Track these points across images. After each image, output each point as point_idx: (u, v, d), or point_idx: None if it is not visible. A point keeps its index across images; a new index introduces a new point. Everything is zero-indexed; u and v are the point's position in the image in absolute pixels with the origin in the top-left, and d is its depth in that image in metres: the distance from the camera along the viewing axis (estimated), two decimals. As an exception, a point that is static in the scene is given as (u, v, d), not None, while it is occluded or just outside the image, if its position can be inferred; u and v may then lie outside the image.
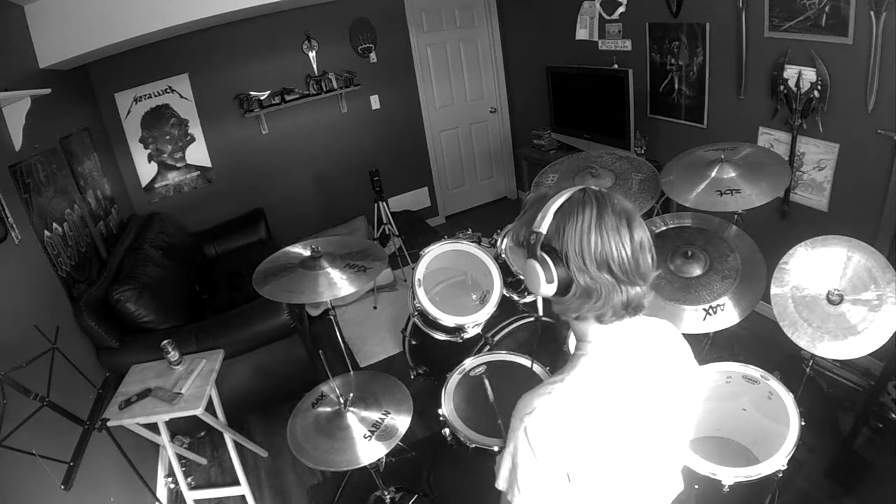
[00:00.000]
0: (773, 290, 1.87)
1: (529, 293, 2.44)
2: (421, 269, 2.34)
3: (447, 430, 1.80)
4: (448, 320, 2.24)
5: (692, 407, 0.99)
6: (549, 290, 0.83)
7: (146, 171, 3.92)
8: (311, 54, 4.17)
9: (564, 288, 0.83)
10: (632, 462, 0.88)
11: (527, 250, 0.86)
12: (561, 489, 0.83)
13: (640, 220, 0.84)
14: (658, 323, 0.98)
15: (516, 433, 0.83)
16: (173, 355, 2.23)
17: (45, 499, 1.64)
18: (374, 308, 3.82)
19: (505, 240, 2.51)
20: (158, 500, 2.30)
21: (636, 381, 0.88)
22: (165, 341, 2.22)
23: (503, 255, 2.45)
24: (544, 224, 0.82)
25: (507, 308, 2.37)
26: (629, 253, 0.81)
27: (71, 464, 1.64)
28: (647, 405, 0.89)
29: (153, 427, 2.21)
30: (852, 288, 1.78)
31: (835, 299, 1.78)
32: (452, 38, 4.71)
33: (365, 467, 1.74)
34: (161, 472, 2.60)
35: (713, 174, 2.11)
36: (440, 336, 2.33)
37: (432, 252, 2.41)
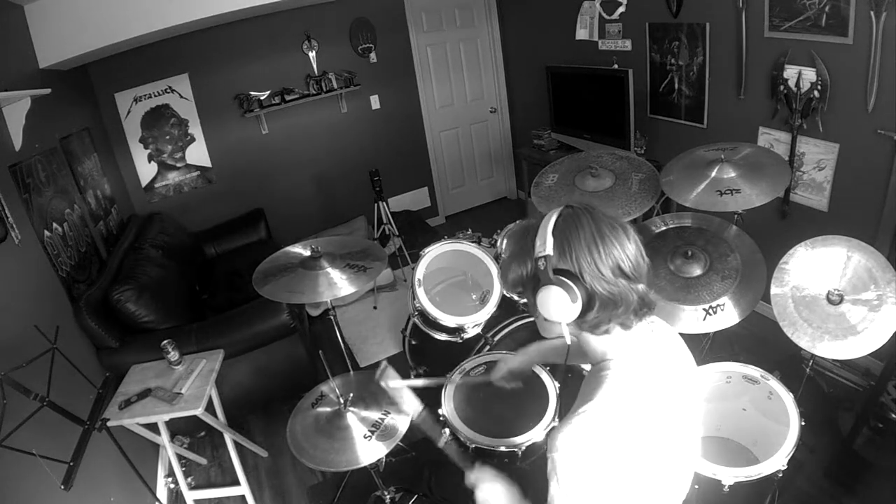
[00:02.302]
0: (773, 290, 1.87)
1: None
2: (421, 269, 2.34)
3: (447, 431, 1.80)
4: (448, 320, 2.24)
5: (699, 405, 0.99)
6: (574, 311, 0.81)
7: (146, 171, 3.92)
8: (311, 54, 4.17)
9: (588, 304, 0.81)
10: (659, 467, 0.87)
11: (534, 283, 0.83)
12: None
13: (626, 223, 0.85)
14: (658, 326, 0.97)
15: (555, 472, 0.81)
16: (173, 355, 2.23)
17: (45, 499, 1.64)
18: (374, 308, 3.82)
19: (505, 240, 2.51)
20: (158, 500, 2.30)
21: (659, 390, 0.87)
22: (165, 341, 2.22)
23: (503, 256, 2.45)
24: (548, 246, 0.80)
25: (507, 308, 2.37)
26: (633, 253, 0.82)
27: (71, 464, 1.63)
28: (672, 412, 0.88)
29: (153, 427, 2.20)
30: (852, 288, 1.78)
31: (835, 299, 1.78)
32: (452, 38, 4.71)
33: (365, 467, 1.74)
34: (161, 472, 2.60)
35: (713, 174, 2.11)
36: (440, 336, 2.33)
37: (432, 252, 2.40)
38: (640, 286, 0.84)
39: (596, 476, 0.79)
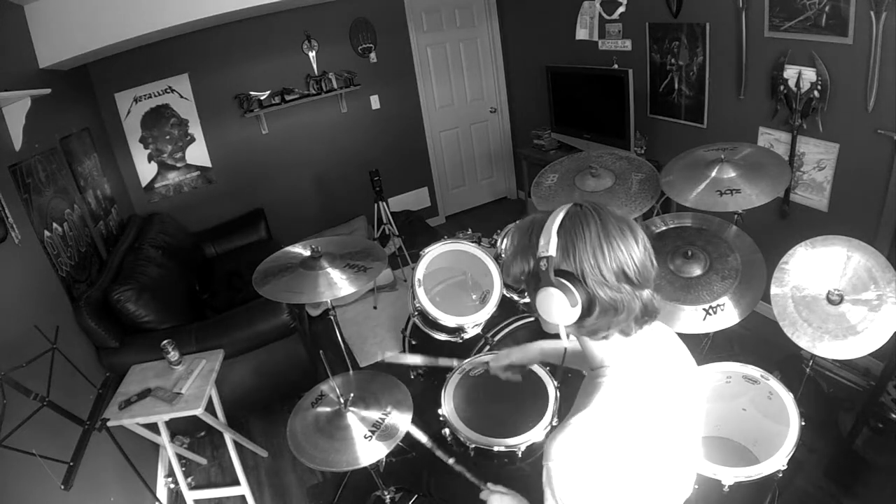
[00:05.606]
0: (773, 290, 1.87)
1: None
2: (421, 269, 2.34)
3: (447, 431, 1.80)
4: (448, 320, 2.24)
5: (701, 406, 0.99)
6: (572, 315, 0.78)
7: (146, 171, 3.92)
8: (311, 54, 4.17)
9: (587, 309, 0.79)
10: (657, 475, 0.87)
11: (535, 281, 0.81)
12: None
13: (636, 225, 0.83)
14: (656, 328, 0.96)
15: (549, 483, 0.81)
16: (173, 355, 2.23)
17: (45, 499, 1.64)
18: (374, 308, 3.82)
19: (505, 240, 2.50)
20: (158, 500, 2.30)
21: (657, 397, 0.87)
22: (165, 341, 2.22)
23: (503, 256, 2.45)
24: (551, 247, 0.78)
25: (507, 308, 2.36)
26: (640, 258, 0.79)
27: (71, 464, 1.63)
28: (670, 418, 0.88)
29: (153, 427, 2.20)
30: (852, 288, 1.78)
31: (835, 299, 1.78)
32: (452, 38, 4.71)
33: (365, 467, 1.74)
34: (161, 472, 2.60)
35: (713, 174, 2.11)
36: (440, 336, 2.33)
37: (432, 252, 2.40)
38: (645, 292, 0.81)
39: (591, 486, 0.79)
